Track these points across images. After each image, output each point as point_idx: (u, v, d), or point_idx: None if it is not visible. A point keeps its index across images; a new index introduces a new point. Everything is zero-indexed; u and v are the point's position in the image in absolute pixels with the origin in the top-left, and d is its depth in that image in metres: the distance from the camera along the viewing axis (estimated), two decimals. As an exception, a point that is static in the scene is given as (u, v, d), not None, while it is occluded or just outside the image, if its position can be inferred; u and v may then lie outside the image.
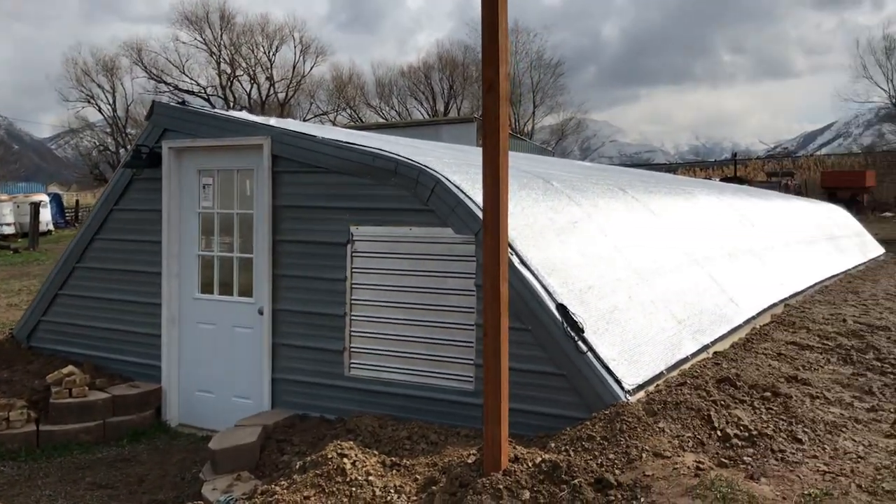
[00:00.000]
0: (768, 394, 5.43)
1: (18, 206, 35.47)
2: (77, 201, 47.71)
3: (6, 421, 6.78)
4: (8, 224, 35.10)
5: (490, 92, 4.32)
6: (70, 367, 7.21)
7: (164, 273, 7.31)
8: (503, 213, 4.41)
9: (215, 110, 7.63)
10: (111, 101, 62.17)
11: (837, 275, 13.73)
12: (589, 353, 5.24)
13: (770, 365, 6.40)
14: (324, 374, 6.40)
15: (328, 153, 6.40)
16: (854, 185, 42.62)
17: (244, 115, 7.52)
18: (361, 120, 64.08)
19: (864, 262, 16.88)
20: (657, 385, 5.54)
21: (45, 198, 38.49)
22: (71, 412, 6.97)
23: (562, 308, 5.37)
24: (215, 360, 7.19)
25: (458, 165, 6.51)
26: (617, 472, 4.31)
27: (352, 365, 6.28)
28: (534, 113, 64.10)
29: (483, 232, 4.44)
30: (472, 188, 5.93)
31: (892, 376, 6.56)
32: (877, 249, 19.89)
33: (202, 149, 7.18)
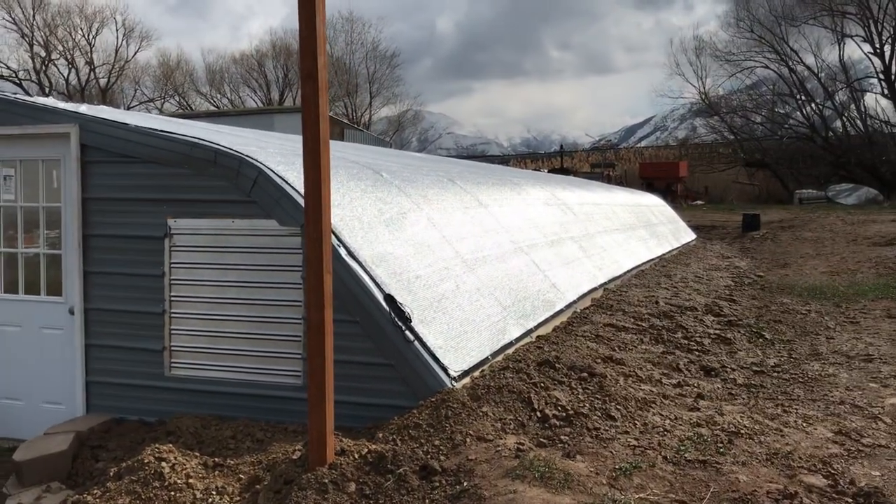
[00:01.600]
0: (585, 374, 5.71)
1: None
2: None
3: None
4: None
5: (308, 81, 4.25)
6: None
7: (-41, 273, 6.67)
8: (325, 204, 4.36)
9: (15, 95, 7.02)
10: None
11: (653, 259, 14.70)
12: (416, 342, 5.30)
13: (588, 346, 6.74)
14: (143, 374, 6.07)
15: (143, 142, 6.06)
16: (669, 175, 45.77)
17: (51, 101, 6.97)
18: (191, 108, 61.39)
19: (678, 247, 18.20)
20: (482, 370, 5.69)
21: None
22: None
23: (389, 298, 5.39)
24: (22, 364, 6.64)
25: (283, 156, 6.37)
26: (442, 458, 4.39)
27: (173, 364, 6.00)
28: (370, 104, 63.97)
29: (305, 223, 4.37)
30: (297, 179, 5.81)
31: (697, 353, 7.11)
32: (689, 235, 21.51)
33: (3, 137, 6.59)
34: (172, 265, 5.98)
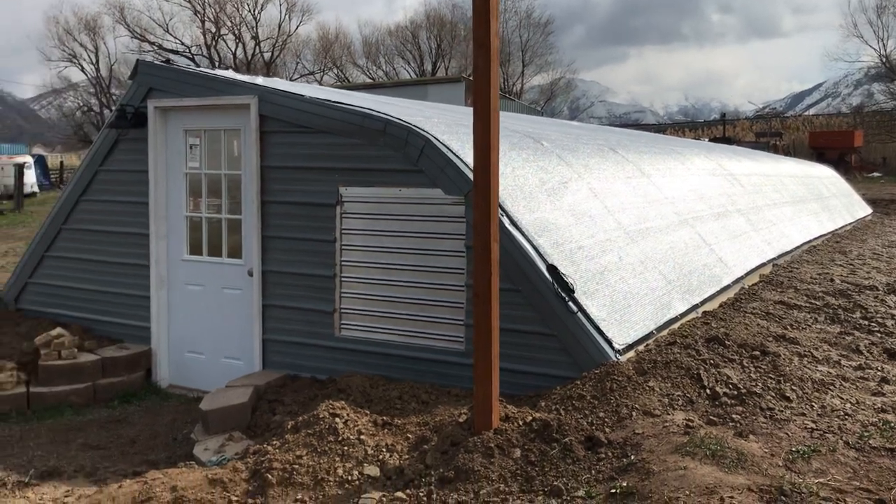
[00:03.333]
0: (757, 353, 5.47)
1: (3, 169, 35.03)
2: (62, 163, 47.17)
3: (-4, 383, 6.76)
4: (-9, 186, 34.77)
5: (480, 49, 4.25)
6: (59, 329, 7.18)
7: (152, 234, 7.26)
8: (494, 173, 4.38)
9: (201, 69, 7.50)
10: (94, 61, 61.07)
11: (825, 235, 13.80)
12: (579, 314, 5.26)
13: (758, 324, 6.44)
14: (314, 334, 6.39)
15: (316, 113, 6.31)
16: (842, 145, 42.65)
17: (231, 74, 7.40)
18: (348, 80, 63.37)
19: (852, 223, 16.97)
20: (647, 345, 5.57)
21: (28, 159, 38.01)
22: (61, 374, 6.95)
23: (552, 269, 5.36)
24: (205, 321, 7.17)
25: (447, 126, 6.44)
26: (607, 430, 4.35)
27: (342, 326, 6.27)
28: (523, 72, 63.58)
29: (474, 193, 4.41)
30: (461, 148, 5.88)
31: (878, 335, 6.63)
32: (864, 209, 19.99)
33: (188, 108, 7.07)
34: (343, 231, 6.23)
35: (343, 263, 6.24)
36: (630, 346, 5.39)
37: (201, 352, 7.23)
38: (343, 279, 6.25)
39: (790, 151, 42.62)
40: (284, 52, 64.46)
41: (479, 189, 4.37)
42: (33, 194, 35.10)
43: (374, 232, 6.11)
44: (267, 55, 63.62)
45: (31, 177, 35.25)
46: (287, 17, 63.29)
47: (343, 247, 6.24)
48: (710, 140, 44.23)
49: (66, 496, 4.77)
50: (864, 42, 50.03)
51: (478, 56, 4.29)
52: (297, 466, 4.41)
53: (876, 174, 39.35)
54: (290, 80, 61.42)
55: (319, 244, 6.33)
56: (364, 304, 6.18)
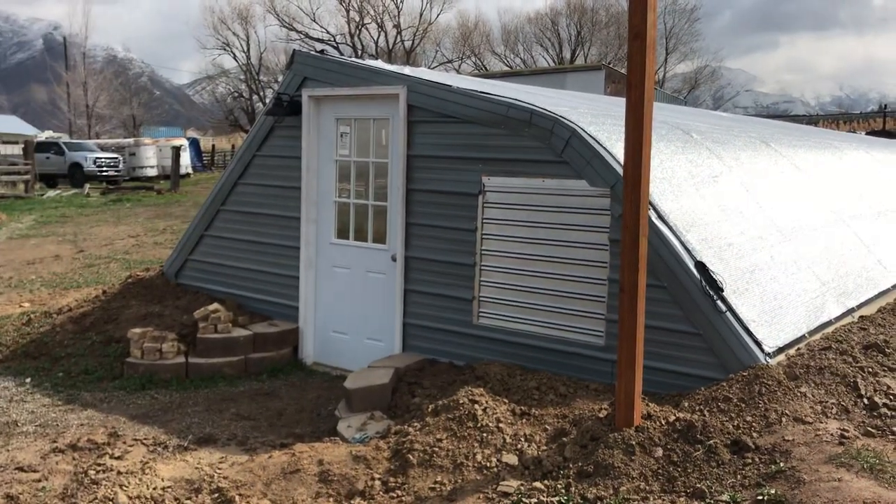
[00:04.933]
0: (922, 363, 5.12)
1: (161, 150, 37.60)
2: (213, 146, 50.03)
3: (159, 352, 7.30)
4: (151, 167, 37.34)
5: (636, 40, 4.18)
6: (215, 304, 7.66)
7: (303, 218, 7.60)
8: (645, 167, 4.31)
9: (354, 59, 7.76)
10: (245, 49, 64.16)
11: None
12: (728, 313, 5.09)
13: (923, 333, 6.02)
14: (453, 321, 6.51)
15: (463, 103, 6.40)
16: None
17: (381, 64, 7.61)
18: (486, 68, 63.54)
19: None
20: (798, 349, 5.33)
21: (184, 142, 40.60)
22: (216, 346, 7.42)
23: (700, 266, 5.22)
24: (349, 302, 7.45)
25: (593, 116, 6.37)
26: (755, 434, 4.21)
27: (480, 313, 6.36)
28: (666, 60, 61.65)
29: (624, 187, 4.35)
30: (608, 140, 5.81)
31: None
32: None
33: (340, 97, 7.34)
34: (485, 220, 6.30)
35: (483, 252, 6.31)
36: (781, 350, 5.17)
37: (345, 332, 7.52)
38: (483, 267, 6.32)
39: (960, 146, 39.24)
40: (424, 40, 65.42)
41: (630, 183, 4.31)
42: (188, 175, 37.45)
43: (516, 222, 6.14)
44: (408, 44, 64.79)
45: (185, 159, 37.65)
46: (428, 5, 64.15)
47: (484, 236, 6.31)
48: (868, 133, 41.38)
49: (220, 462, 5.09)
50: None
51: (633, 47, 4.22)
52: (437, 449, 4.52)
53: None
54: (429, 68, 62.39)
55: (461, 233, 6.43)
56: (503, 293, 6.24)
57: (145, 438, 5.60)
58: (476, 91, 6.46)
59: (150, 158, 37.48)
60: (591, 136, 5.74)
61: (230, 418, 6.36)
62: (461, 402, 4.87)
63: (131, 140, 41.02)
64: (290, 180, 7.70)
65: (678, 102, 41.04)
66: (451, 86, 6.58)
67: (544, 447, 4.50)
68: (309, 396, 6.87)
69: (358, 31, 63.64)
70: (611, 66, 41.89)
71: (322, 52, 7.82)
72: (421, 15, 64.14)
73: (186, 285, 8.80)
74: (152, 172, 37.08)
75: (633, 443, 4.14)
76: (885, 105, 57.59)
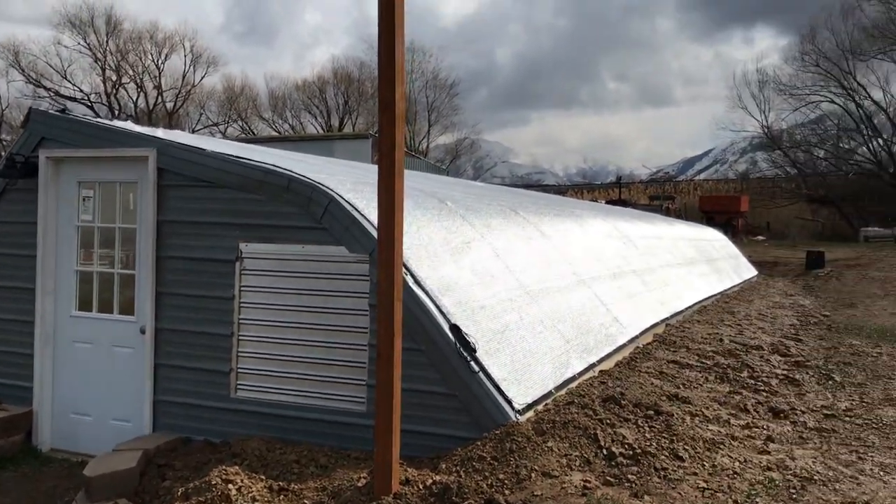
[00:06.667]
0: (651, 412, 5.61)
1: None
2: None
3: None
4: None
5: (386, 112, 4.31)
6: (-73, 390, 6.68)
7: (39, 289, 6.89)
8: (398, 233, 4.40)
9: (98, 119, 7.29)
10: (-15, 105, 58.36)
11: (715, 295, 14.42)
12: (480, 373, 5.28)
13: (653, 383, 6.63)
14: (209, 395, 6.17)
15: (218, 167, 6.21)
16: (730, 209, 45.02)
17: (129, 125, 7.21)
18: (253, 133, 62.80)
19: (739, 283, 17.82)
20: (546, 404, 5.64)
21: None
22: (-73, 439, 6.44)
23: (455, 328, 5.39)
24: (93, 380, 6.82)
25: (352, 184, 6.45)
26: (507, 492, 4.34)
27: (239, 386, 6.09)
28: (429, 131, 64.69)
29: (377, 252, 4.41)
30: (366, 207, 5.89)
31: (764, 394, 6.93)
32: (750, 271, 21.06)
33: (83, 159, 6.83)
34: (242, 288, 6.09)
35: (241, 321, 6.09)
36: (530, 406, 5.44)
37: (88, 413, 6.86)
38: (241, 337, 6.09)
39: (682, 214, 44.64)
40: (188, 102, 63.42)
41: (383, 249, 4.38)
42: None
43: (275, 289, 6.00)
44: (170, 105, 62.42)
45: None
46: (192, 68, 62.48)
47: (242, 304, 6.09)
48: (607, 202, 45.92)
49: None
50: (747, 113, 53.15)
51: (383, 119, 4.34)
52: (186, 536, 4.20)
53: (760, 237, 41.61)
54: (194, 131, 60.46)
55: (217, 301, 6.16)
56: (262, 363, 6.03)
57: None
58: (233, 156, 6.30)
59: None
60: (349, 202, 5.80)
61: (-59, 523, 5.52)
62: (214, 482, 4.58)
63: None
64: (25, 248, 6.99)
65: (441, 172, 43.00)
66: (204, 149, 6.37)
67: (302, 523, 4.33)
68: (43, 488, 6.15)
69: (115, 91, 60.37)
70: (377, 134, 43.02)
71: (63, 110, 7.27)
72: (184, 77, 62.30)
73: None
74: None
75: (392, 511, 4.10)
76: (620, 177, 64.36)
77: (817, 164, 51.19)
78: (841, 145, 51.34)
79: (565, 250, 9.28)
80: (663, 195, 59.27)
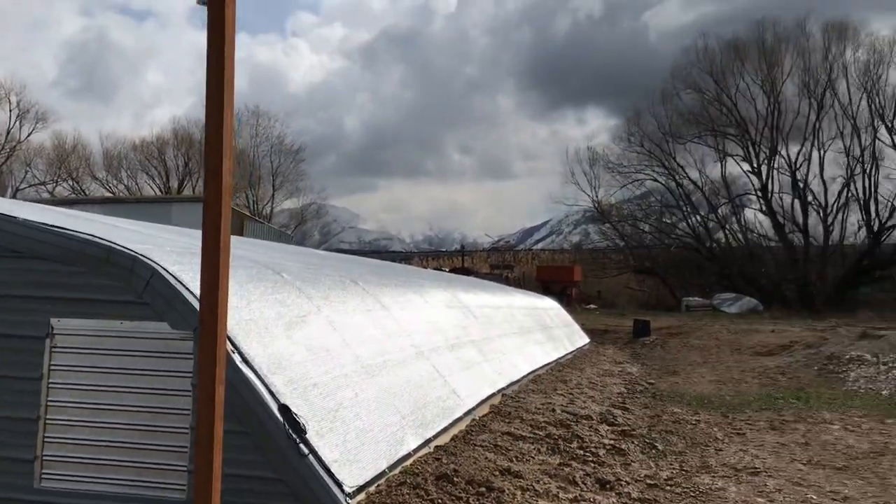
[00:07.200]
0: (483, 489, 5.62)
1: None
2: None
3: None
4: None
5: (213, 180, 4.16)
6: None
7: None
8: (221, 310, 4.21)
9: None
10: None
11: (550, 363, 14.90)
12: (310, 456, 5.10)
13: (486, 458, 6.66)
14: (9, 486, 5.57)
15: (31, 237, 5.76)
16: (564, 279, 47.13)
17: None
18: (85, 193, 59.40)
19: (573, 351, 18.54)
20: (378, 485, 5.51)
21: None
22: None
23: (284, 409, 5.19)
24: None
25: (179, 254, 6.17)
26: (333, 583, 4.16)
27: (44, 475, 5.54)
28: (273, 196, 63.70)
29: (200, 330, 4.20)
30: (193, 280, 5.62)
31: (592, 465, 7.13)
32: (583, 339, 21.98)
33: None
34: (52, 367, 5.61)
35: (50, 404, 5.58)
36: (361, 488, 5.29)
37: None
38: (48, 422, 5.57)
39: (520, 283, 46.21)
40: (12, 159, 59.21)
41: (206, 326, 4.17)
42: None
43: (91, 369, 5.57)
44: (-8, 161, 58.02)
45: None
46: (18, 123, 58.62)
47: (51, 385, 5.60)
48: (451, 270, 46.87)
49: None
50: (579, 188, 56.26)
51: (209, 191, 4.19)
52: None
53: (592, 306, 43.69)
54: (18, 189, 56.53)
55: (22, 382, 5.63)
56: (74, 450, 5.53)
57: None
58: (47, 225, 5.87)
59: None
60: (173, 275, 5.53)
61: None
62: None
63: None
64: None
65: (286, 237, 42.39)
66: (17, 218, 5.91)
67: None
68: None
69: (-74, 145, 55.50)
70: (203, 207, 41.89)
71: None
72: (8, 132, 58.29)
73: None
74: None
75: None
76: (464, 246, 65.96)
77: (643, 238, 54.76)
78: (664, 220, 55.32)
79: (405, 322, 9.28)
80: (503, 264, 61.27)
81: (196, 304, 5.33)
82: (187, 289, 5.47)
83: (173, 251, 6.30)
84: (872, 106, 46.95)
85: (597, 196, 55.54)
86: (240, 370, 5.20)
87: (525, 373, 12.33)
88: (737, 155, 51.02)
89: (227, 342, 5.29)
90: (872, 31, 51.21)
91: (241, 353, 5.36)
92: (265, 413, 5.15)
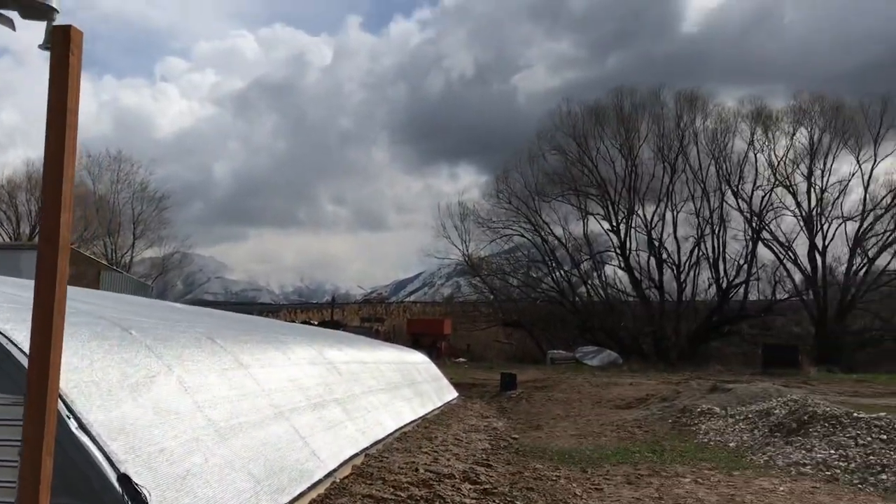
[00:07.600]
0: (339, 558, 5.41)
1: None
2: None
3: None
4: None
5: (48, 244, 3.88)
6: None
7: None
8: (53, 372, 3.90)
9: None
10: None
11: (416, 420, 14.78)
12: (151, 530, 4.75)
13: (345, 524, 6.45)
14: None
15: None
16: (435, 332, 47.41)
17: None
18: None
19: (441, 406, 18.51)
20: (227, 558, 5.20)
21: None
22: None
23: (124, 479, 4.83)
24: None
25: (13, 310, 5.71)
26: None
27: None
28: (133, 244, 60.91)
29: (27, 396, 3.86)
30: (26, 337, 5.21)
31: (452, 527, 7.04)
32: (451, 393, 22.03)
33: None
34: None
35: None
36: (208, 563, 4.97)
37: None
38: None
39: (391, 336, 46.10)
40: None
41: (34, 392, 3.84)
42: None
43: None
44: None
45: None
46: None
47: None
48: (320, 322, 46.21)
49: None
50: (450, 242, 57.18)
51: (45, 251, 3.90)
52: None
53: (462, 360, 44.07)
54: None
55: None
56: None
57: None
58: None
59: None
60: (3, 334, 5.10)
61: None
62: None
63: None
64: None
65: (146, 288, 40.59)
66: None
67: None
68: None
69: None
70: (74, 246, 39.80)
71: None
72: None
73: None
74: None
75: None
76: (335, 298, 65.28)
77: (511, 291, 56.09)
78: (531, 274, 56.99)
79: (265, 381, 8.95)
80: (374, 317, 61.01)
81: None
82: (18, 348, 5.05)
83: (6, 304, 5.83)
84: (720, 171, 50.70)
85: (467, 250, 56.68)
86: (75, 437, 4.82)
87: (391, 430, 12.16)
88: (598, 214, 53.58)
89: (63, 407, 4.94)
90: (720, 101, 55.39)
91: (77, 419, 4.97)
92: (102, 484, 4.77)
